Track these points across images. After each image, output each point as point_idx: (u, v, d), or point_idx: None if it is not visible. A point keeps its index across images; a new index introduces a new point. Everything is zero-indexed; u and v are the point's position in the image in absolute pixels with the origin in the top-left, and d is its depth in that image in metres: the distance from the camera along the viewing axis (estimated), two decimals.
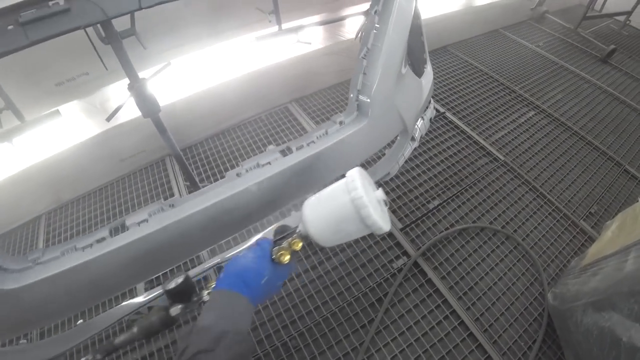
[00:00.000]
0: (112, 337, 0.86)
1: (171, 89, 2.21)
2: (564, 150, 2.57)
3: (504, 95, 3.00)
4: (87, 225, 2.06)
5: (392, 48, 1.02)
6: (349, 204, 0.72)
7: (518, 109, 2.88)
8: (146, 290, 1.55)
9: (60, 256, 0.95)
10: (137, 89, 1.29)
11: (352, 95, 1.01)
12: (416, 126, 1.55)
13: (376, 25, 1.00)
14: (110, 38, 1.19)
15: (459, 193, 2.15)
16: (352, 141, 1.03)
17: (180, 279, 0.74)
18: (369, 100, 0.99)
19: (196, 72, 2.18)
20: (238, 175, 0.94)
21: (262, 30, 1.76)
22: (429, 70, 1.59)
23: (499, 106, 2.87)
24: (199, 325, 0.63)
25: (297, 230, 0.80)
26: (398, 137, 1.35)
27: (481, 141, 2.50)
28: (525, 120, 2.78)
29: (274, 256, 0.77)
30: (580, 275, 1.62)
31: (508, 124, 2.72)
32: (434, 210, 2.03)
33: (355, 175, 0.74)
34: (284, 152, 0.97)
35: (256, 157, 0.95)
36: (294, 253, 0.78)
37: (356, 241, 1.85)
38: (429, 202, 2.07)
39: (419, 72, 1.56)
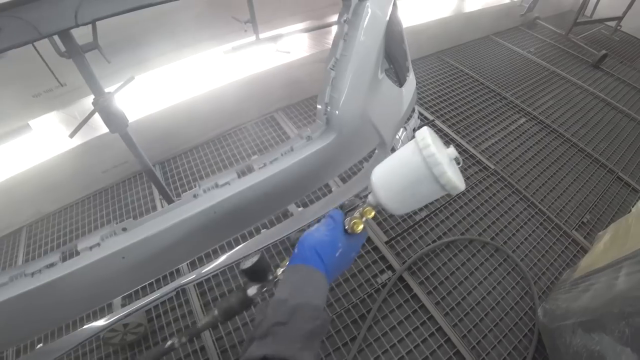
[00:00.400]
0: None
1: (152, 100, 2.16)
2: (555, 158, 2.52)
3: (495, 102, 2.96)
4: (68, 238, 2.01)
5: (363, 58, 0.97)
6: (421, 163, 0.67)
7: (509, 116, 2.84)
8: (123, 306, 1.49)
9: (9, 282, 0.90)
10: (101, 103, 1.23)
11: (320, 107, 0.96)
12: (397, 137, 1.50)
13: (345, 34, 0.95)
14: (71, 52, 1.14)
15: (447, 204, 2.09)
16: (322, 157, 0.97)
17: (255, 258, 0.73)
18: (337, 112, 0.94)
19: (177, 83, 2.13)
20: (195, 196, 0.88)
21: (240, 40, 1.72)
22: (411, 78, 1.54)
23: (489, 113, 2.83)
24: (275, 299, 0.62)
25: (367, 200, 0.77)
26: (376, 150, 1.29)
27: (471, 149, 2.45)
28: (516, 128, 2.74)
29: (346, 226, 0.74)
30: (571, 290, 1.56)
31: (498, 131, 2.68)
32: (421, 222, 1.97)
33: (426, 133, 0.68)
34: (245, 171, 0.91)
35: (214, 176, 0.90)
36: (367, 221, 0.75)
37: None
38: (415, 213, 2.02)
39: (402, 81, 1.51)
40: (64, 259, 0.90)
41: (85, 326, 1.17)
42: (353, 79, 0.94)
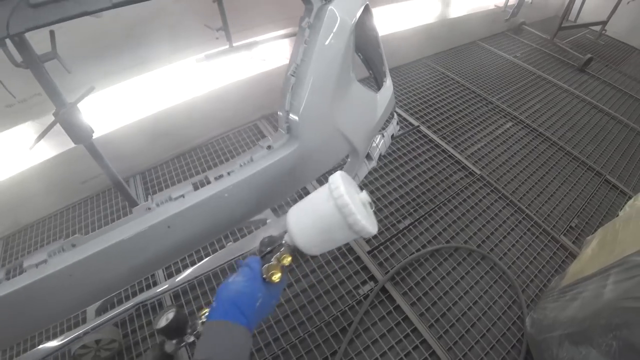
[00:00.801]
0: None
1: (130, 110, 2.11)
2: (542, 162, 2.49)
3: (481, 106, 2.94)
4: None
5: (326, 64, 0.93)
6: (335, 212, 0.70)
7: (495, 121, 2.82)
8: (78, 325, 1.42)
9: None
10: (62, 115, 1.18)
11: (280, 114, 0.91)
12: (374, 144, 1.46)
13: (306, 39, 0.92)
14: (29, 62, 1.10)
15: (432, 211, 2.05)
16: (284, 167, 0.93)
17: (171, 315, 0.70)
18: (298, 120, 0.89)
19: (154, 93, 2.09)
20: (148, 209, 0.83)
21: (215, 48, 1.69)
22: (387, 84, 1.50)
23: (475, 118, 2.80)
24: None
25: (284, 241, 0.78)
26: (349, 158, 1.25)
27: (456, 155, 2.42)
28: (503, 132, 2.71)
29: (264, 276, 0.73)
30: (559, 298, 1.51)
31: (485, 136, 2.65)
32: (405, 231, 1.92)
33: (338, 181, 0.71)
34: (201, 183, 0.87)
35: (169, 189, 0.85)
36: (284, 268, 0.75)
37: (319, 266, 1.73)
38: (399, 221, 1.97)
39: (379, 86, 1.48)
40: (8, 277, 0.85)
41: (38, 347, 1.10)
42: (315, 85, 0.90)
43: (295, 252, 0.77)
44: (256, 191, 0.91)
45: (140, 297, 1.16)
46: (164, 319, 0.70)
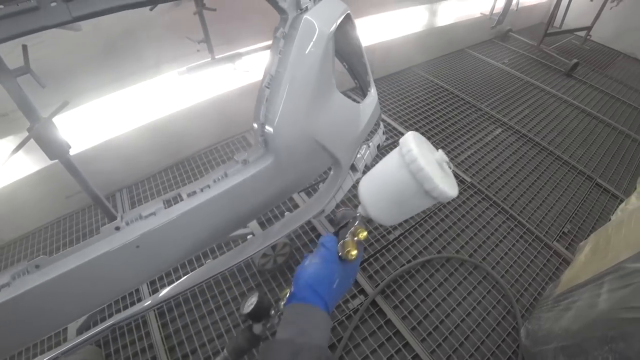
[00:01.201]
0: None
1: (115, 124, 2.07)
2: (533, 168, 2.48)
3: (470, 113, 2.94)
4: None
5: (302, 74, 0.90)
6: (409, 179, 0.63)
7: (484, 127, 2.81)
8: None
9: None
10: (36, 130, 1.14)
11: (255, 126, 0.88)
12: (359, 155, 1.43)
13: (281, 49, 0.89)
14: (1, 77, 1.06)
15: (422, 221, 2.01)
16: (261, 181, 0.89)
17: (254, 299, 0.71)
18: (272, 132, 0.86)
19: (141, 105, 2.06)
20: (117, 229, 0.79)
21: (199, 61, 1.66)
22: (372, 93, 1.48)
23: (464, 125, 2.80)
24: (277, 340, 0.61)
25: (357, 214, 0.75)
26: (332, 171, 1.22)
27: None
28: (492, 139, 2.70)
29: (340, 254, 0.71)
30: (553, 307, 1.48)
31: (474, 143, 2.64)
32: (395, 242, 1.88)
33: (411, 143, 0.63)
34: (174, 200, 0.83)
35: (139, 207, 0.81)
36: (359, 244, 0.72)
37: None
38: (389, 232, 1.93)
39: (365, 95, 1.46)
40: None
41: None
42: (290, 96, 0.87)
43: (371, 223, 0.74)
44: (232, 207, 0.87)
45: (121, 316, 1.11)
46: (249, 304, 0.70)
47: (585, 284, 1.34)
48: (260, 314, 0.72)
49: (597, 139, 2.84)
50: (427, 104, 2.99)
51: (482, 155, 2.54)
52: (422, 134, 2.57)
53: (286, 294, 0.72)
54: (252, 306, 0.70)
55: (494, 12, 3.62)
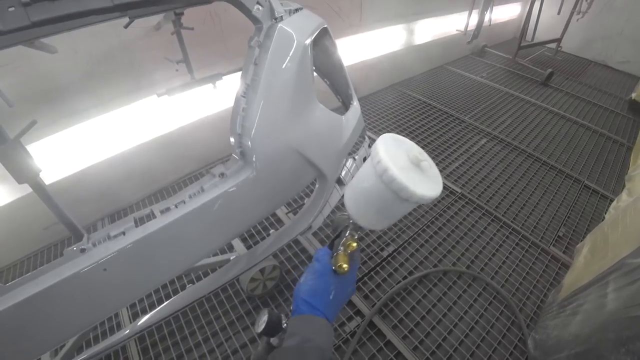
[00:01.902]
0: None
1: (99, 151, 2.01)
2: (521, 174, 2.48)
3: (455, 125, 2.96)
4: None
5: (278, 84, 0.88)
6: (385, 189, 0.62)
7: (470, 138, 2.83)
8: None
9: None
10: (2, 151, 1.08)
11: (232, 140, 0.84)
12: (346, 168, 1.39)
13: (256, 58, 0.86)
14: None
15: (415, 235, 1.96)
16: (240, 195, 0.84)
17: (264, 317, 0.74)
18: (250, 144, 0.82)
19: (124, 130, 2.00)
20: (82, 250, 0.71)
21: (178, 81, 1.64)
22: (355, 106, 1.47)
23: (450, 137, 2.81)
24: (282, 349, 0.65)
25: (350, 221, 0.75)
26: (317, 184, 1.17)
27: None
28: (479, 149, 2.71)
29: (334, 268, 0.73)
30: (559, 314, 1.41)
31: (461, 154, 2.64)
32: (389, 258, 1.81)
33: (380, 153, 0.61)
34: (147, 217, 0.76)
35: (108, 226, 0.74)
36: (352, 255, 0.74)
37: None
38: (382, 249, 1.86)
39: (347, 109, 1.44)
40: None
41: None
42: (267, 105, 0.83)
43: (363, 230, 0.72)
44: (210, 223, 0.81)
45: (97, 348, 1.01)
46: (261, 323, 0.73)
47: (589, 286, 1.29)
48: (273, 328, 0.74)
49: (580, 143, 2.88)
50: (411, 119, 3.01)
51: (470, 165, 2.53)
52: None
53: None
54: (264, 324, 0.72)
55: (469, 28, 3.74)
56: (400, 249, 1.87)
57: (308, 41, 1.01)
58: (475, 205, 2.18)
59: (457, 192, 2.26)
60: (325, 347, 0.65)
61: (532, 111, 3.27)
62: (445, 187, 2.30)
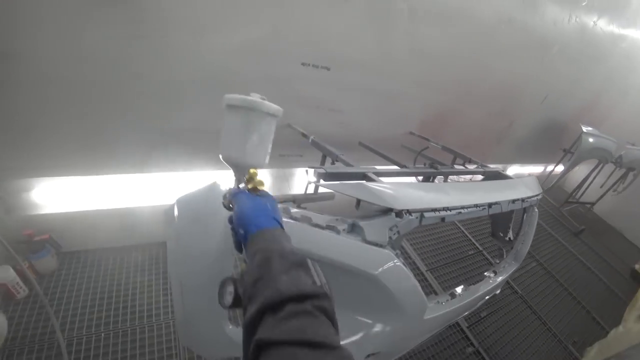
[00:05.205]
0: None
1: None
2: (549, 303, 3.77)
3: None
4: None
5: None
6: (242, 111, 0.81)
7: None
8: None
9: None
10: None
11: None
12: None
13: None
14: None
15: None
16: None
17: (230, 288, 0.68)
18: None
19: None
20: (453, 295, 2.00)
21: None
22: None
23: None
24: (245, 271, 0.66)
25: (236, 180, 0.89)
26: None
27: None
28: (529, 270, 4.03)
29: (250, 187, 0.84)
30: None
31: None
32: None
33: (228, 94, 0.84)
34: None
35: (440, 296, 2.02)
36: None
37: None
38: None
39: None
40: None
41: None
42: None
43: (245, 174, 0.86)
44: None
45: None
46: (228, 295, 0.67)
47: None
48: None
49: (595, 288, 4.20)
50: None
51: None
52: (442, 267, 3.75)
53: (242, 265, 0.74)
54: (232, 295, 0.66)
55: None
56: None
57: None
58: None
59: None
60: (289, 249, 0.67)
61: (565, 254, 4.62)
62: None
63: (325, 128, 2.47)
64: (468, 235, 3.90)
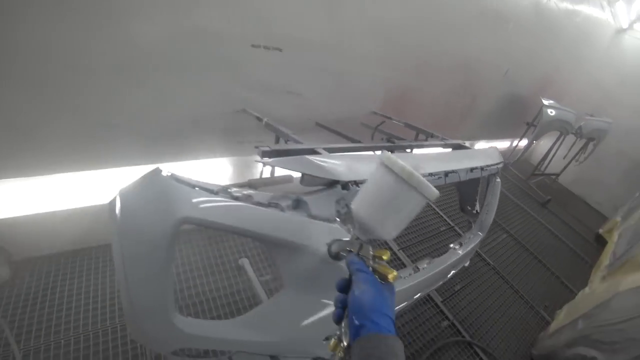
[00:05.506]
0: None
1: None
2: (519, 265, 3.88)
3: None
4: None
5: None
6: (402, 185, 0.72)
7: (494, 232, 4.25)
8: None
9: None
10: None
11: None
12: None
13: None
14: None
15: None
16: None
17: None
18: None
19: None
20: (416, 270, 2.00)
21: None
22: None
23: None
24: None
25: (356, 239, 0.82)
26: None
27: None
28: (500, 241, 4.13)
29: (379, 278, 0.76)
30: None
31: (492, 239, 4.04)
32: None
33: (390, 154, 0.76)
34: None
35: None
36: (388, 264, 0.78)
37: None
38: None
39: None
40: None
41: None
42: None
43: (372, 242, 0.81)
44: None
45: None
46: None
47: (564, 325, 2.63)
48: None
49: (563, 253, 4.37)
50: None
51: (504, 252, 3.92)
52: (414, 245, 3.87)
53: (336, 344, 0.73)
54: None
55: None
56: None
57: None
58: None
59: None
60: None
61: (533, 224, 4.77)
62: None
63: (283, 111, 2.39)
64: (439, 212, 3.94)
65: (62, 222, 2.14)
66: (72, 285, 2.14)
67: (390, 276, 0.75)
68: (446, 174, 1.49)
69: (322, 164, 1.11)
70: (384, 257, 0.79)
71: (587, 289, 3.07)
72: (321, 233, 1.08)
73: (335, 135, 2.15)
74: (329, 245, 0.91)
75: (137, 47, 1.73)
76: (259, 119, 2.03)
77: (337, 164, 1.14)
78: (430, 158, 1.67)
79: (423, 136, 2.45)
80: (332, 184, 1.13)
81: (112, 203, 0.93)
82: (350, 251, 0.82)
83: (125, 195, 0.91)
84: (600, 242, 4.87)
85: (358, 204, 0.79)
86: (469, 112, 4.13)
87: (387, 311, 0.69)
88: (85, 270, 2.25)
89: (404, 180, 0.72)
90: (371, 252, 0.80)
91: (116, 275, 0.91)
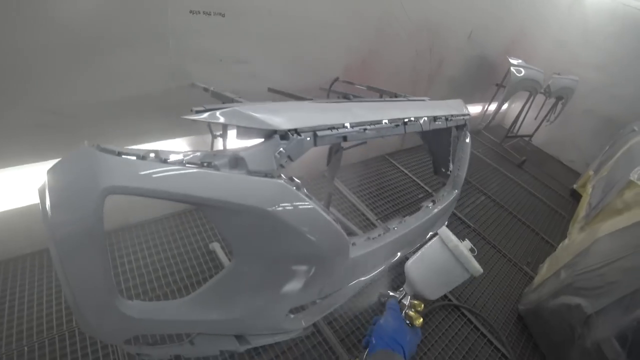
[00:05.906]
0: None
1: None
2: (497, 224, 3.87)
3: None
4: None
5: None
6: (452, 259, 0.89)
7: (472, 194, 4.23)
8: None
9: None
10: None
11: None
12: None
13: None
14: None
15: None
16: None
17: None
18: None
19: None
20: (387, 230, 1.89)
21: None
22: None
23: None
24: None
25: (401, 290, 0.97)
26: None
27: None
28: (479, 203, 4.10)
29: (407, 321, 0.92)
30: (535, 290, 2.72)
31: (471, 203, 4.01)
32: None
33: (450, 234, 0.92)
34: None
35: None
36: (420, 313, 0.92)
37: None
38: None
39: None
40: None
41: None
42: None
43: (415, 298, 0.95)
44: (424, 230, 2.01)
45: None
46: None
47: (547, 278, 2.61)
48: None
49: (540, 210, 4.40)
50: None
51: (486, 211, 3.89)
52: (392, 214, 3.80)
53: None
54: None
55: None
56: None
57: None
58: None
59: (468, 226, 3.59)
60: None
61: (511, 184, 4.79)
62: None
63: (236, 84, 2.21)
64: (417, 180, 3.87)
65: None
66: (31, 289, 1.94)
67: (417, 322, 0.92)
68: (405, 122, 1.37)
69: (254, 113, 0.97)
70: (419, 308, 0.95)
71: (566, 241, 3.06)
72: (263, 190, 0.95)
73: (290, 99, 2.00)
74: (380, 297, 1.09)
75: (63, 27, 1.51)
76: (206, 90, 1.86)
77: (272, 112, 1.00)
78: (388, 106, 1.54)
79: (387, 97, 2.32)
80: (270, 134, 0.99)
81: (42, 186, 0.86)
82: (393, 296, 1.03)
83: (51, 175, 0.84)
84: (576, 197, 4.93)
85: (413, 267, 0.96)
86: (437, 76, 4.02)
87: (403, 343, 0.81)
88: (37, 271, 2.05)
89: (454, 256, 0.89)
90: (408, 301, 0.96)
91: (53, 263, 0.84)
